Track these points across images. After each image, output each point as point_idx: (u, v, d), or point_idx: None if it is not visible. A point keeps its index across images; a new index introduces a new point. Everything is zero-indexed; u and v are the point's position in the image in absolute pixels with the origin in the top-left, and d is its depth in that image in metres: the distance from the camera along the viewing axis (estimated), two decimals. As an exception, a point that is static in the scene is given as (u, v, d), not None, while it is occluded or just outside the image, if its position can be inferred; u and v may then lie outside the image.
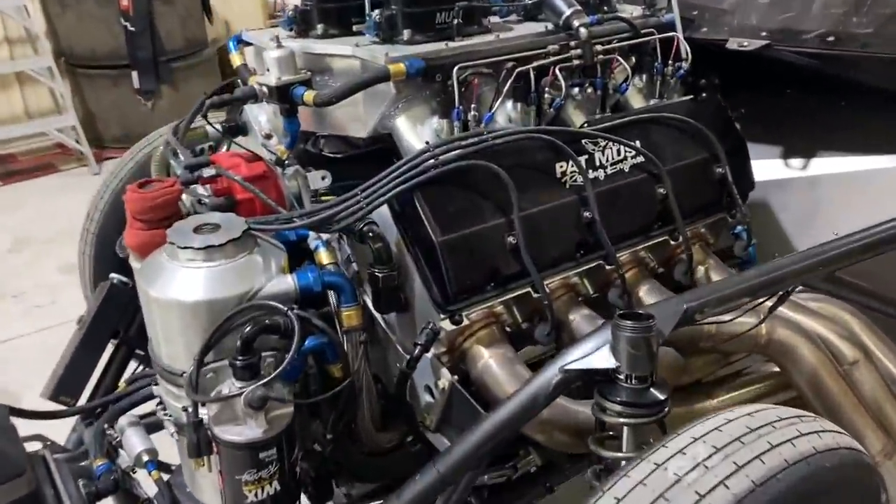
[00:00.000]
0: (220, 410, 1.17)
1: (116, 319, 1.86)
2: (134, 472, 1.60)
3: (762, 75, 1.83)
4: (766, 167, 1.86)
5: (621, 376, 1.15)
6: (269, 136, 1.74)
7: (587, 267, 1.48)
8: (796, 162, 1.86)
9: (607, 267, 1.49)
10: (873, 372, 1.53)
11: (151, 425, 1.63)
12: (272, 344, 1.24)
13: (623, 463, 1.16)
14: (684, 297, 1.23)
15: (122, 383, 1.86)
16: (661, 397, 1.17)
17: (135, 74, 5.37)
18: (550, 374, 1.19)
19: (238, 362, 1.15)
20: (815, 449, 1.07)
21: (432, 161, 1.32)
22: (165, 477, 1.63)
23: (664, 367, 1.47)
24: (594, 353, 1.17)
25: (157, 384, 1.36)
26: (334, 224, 1.32)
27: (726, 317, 1.39)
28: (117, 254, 1.77)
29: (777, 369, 1.65)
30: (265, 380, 1.15)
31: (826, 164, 1.83)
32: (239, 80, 1.76)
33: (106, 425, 1.68)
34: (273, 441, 1.17)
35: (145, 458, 1.54)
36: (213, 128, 1.74)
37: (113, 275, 1.87)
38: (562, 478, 1.67)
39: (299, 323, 1.18)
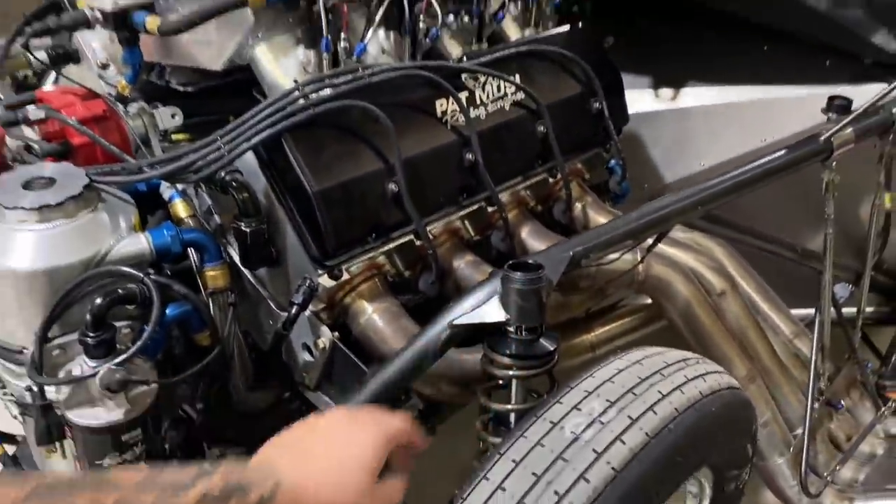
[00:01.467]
0: (73, 392, 1.03)
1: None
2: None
3: (633, 3, 1.80)
4: (637, 99, 1.85)
5: (511, 328, 1.11)
6: (105, 66, 1.52)
7: (469, 210, 1.42)
8: (665, 93, 1.87)
9: (489, 209, 1.43)
10: (739, 301, 1.58)
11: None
12: (128, 313, 1.10)
13: (512, 416, 1.14)
14: (570, 243, 1.19)
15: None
16: (551, 348, 1.14)
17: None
18: (439, 328, 1.12)
19: (89, 339, 1.01)
20: (700, 394, 1.09)
21: (302, 101, 1.19)
22: (11, 450, 1.47)
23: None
24: (483, 305, 1.12)
25: (-10, 362, 1.18)
26: (191, 174, 1.18)
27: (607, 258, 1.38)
28: None
29: (649, 301, 1.69)
30: (122, 357, 1.01)
31: (693, 97, 1.85)
32: (65, 1, 1.52)
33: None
34: (136, 422, 1.04)
35: None
36: (34, 57, 1.50)
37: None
38: (443, 418, 1.65)
39: (158, 290, 1.05)
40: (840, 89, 1.64)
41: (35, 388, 1.06)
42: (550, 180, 1.56)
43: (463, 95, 1.37)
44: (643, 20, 1.86)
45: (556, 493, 0.94)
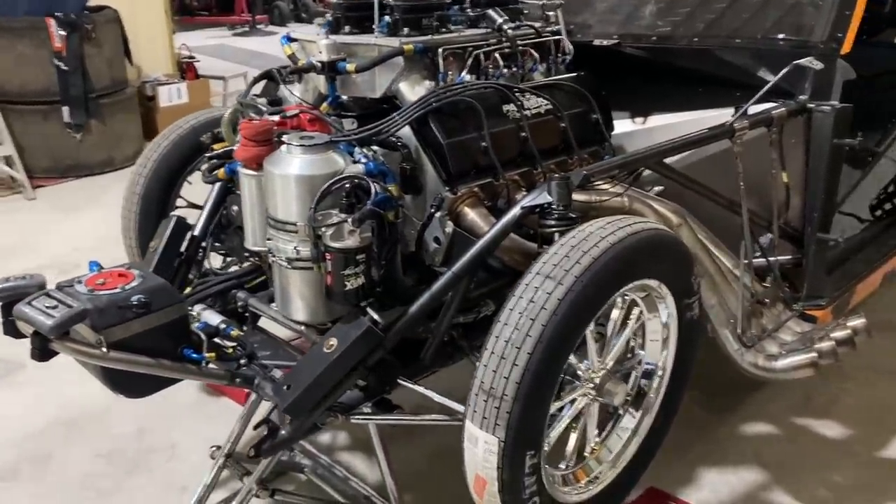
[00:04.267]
0: (333, 233, 2.00)
1: (180, 244, 2.61)
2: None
3: (616, 64, 2.89)
4: (620, 124, 2.91)
5: (553, 206, 2.09)
6: (300, 105, 2.59)
7: (523, 170, 2.43)
8: (639, 119, 2.93)
9: (534, 171, 2.45)
10: (690, 232, 2.55)
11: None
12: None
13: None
14: (584, 169, 2.19)
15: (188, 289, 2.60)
16: (574, 216, 2.11)
17: (65, 109, 5.92)
18: (515, 210, 2.11)
19: (345, 201, 1.99)
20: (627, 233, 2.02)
21: (436, 97, 2.23)
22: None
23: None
24: (538, 196, 2.11)
25: (269, 239, 2.16)
26: (379, 136, 2.20)
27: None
28: (157, 208, 2.70)
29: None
30: (359, 212, 1.99)
31: (656, 120, 2.90)
32: (276, 71, 2.60)
33: (189, 308, 2.43)
34: (364, 248, 2.00)
35: (223, 325, 2.32)
36: (252, 105, 2.56)
37: (174, 213, 2.64)
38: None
39: (374, 185, 2.04)
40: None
41: (299, 247, 2.01)
42: (569, 161, 2.58)
43: (518, 103, 2.42)
44: (621, 74, 2.95)
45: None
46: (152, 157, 2.99)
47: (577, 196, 2.16)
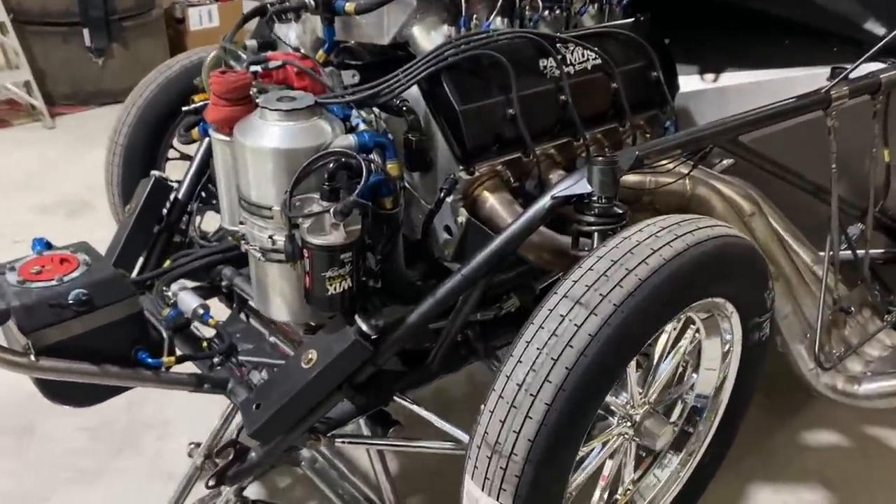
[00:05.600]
0: (312, 225, 1.59)
1: (160, 207, 2.24)
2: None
3: (683, 7, 2.36)
4: (687, 82, 2.39)
5: (594, 198, 1.64)
6: (297, 50, 2.15)
7: (562, 141, 1.97)
8: (709, 77, 2.41)
9: (575, 143, 1.98)
10: (765, 221, 2.07)
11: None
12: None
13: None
14: (637, 148, 1.73)
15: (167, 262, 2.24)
16: (621, 211, 1.66)
17: (86, 32, 5.54)
18: (544, 201, 1.67)
19: (327, 186, 1.58)
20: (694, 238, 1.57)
21: (453, 50, 1.77)
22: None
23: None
24: (575, 185, 1.66)
25: (242, 223, 1.76)
26: (378, 98, 1.76)
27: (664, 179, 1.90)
28: (142, 160, 2.27)
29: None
30: (349, 199, 1.57)
31: (730, 79, 2.39)
32: (269, 6, 2.15)
33: (164, 287, 2.07)
34: (350, 246, 1.60)
35: (200, 311, 1.95)
36: (228, 51, 2.12)
37: (154, 171, 2.25)
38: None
39: (366, 164, 1.62)
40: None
41: (283, 229, 1.61)
42: (620, 129, 2.10)
43: (558, 57, 1.94)
44: (691, 24, 2.42)
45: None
46: (136, 103, 2.61)
47: (627, 177, 1.70)
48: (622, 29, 2.13)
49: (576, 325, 1.38)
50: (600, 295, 1.40)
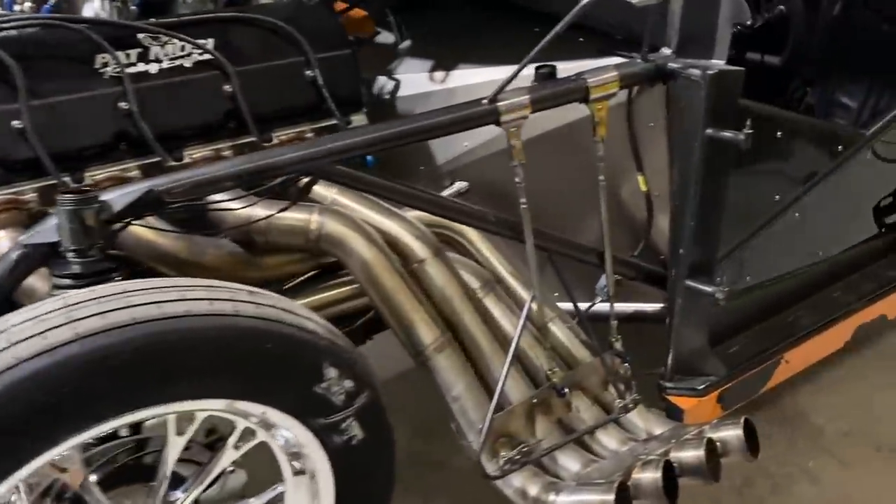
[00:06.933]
0: None
1: None
2: None
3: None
4: (414, 81, 1.89)
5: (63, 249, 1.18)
6: None
7: (148, 161, 1.50)
8: (439, 75, 1.89)
9: (172, 163, 1.51)
10: (443, 270, 1.56)
11: None
12: None
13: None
14: (155, 181, 1.25)
15: None
16: (108, 266, 1.19)
17: None
18: (16, 250, 1.22)
19: None
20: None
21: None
22: None
23: (223, 257, 1.51)
24: (46, 230, 1.20)
25: None
26: None
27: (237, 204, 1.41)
28: None
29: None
30: None
31: (461, 78, 1.86)
32: None
33: None
34: None
35: None
36: None
37: None
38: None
39: None
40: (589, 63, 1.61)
41: None
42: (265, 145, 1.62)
43: (134, 52, 1.47)
44: (432, 12, 1.91)
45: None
46: None
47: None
48: (273, 14, 1.63)
49: None
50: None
